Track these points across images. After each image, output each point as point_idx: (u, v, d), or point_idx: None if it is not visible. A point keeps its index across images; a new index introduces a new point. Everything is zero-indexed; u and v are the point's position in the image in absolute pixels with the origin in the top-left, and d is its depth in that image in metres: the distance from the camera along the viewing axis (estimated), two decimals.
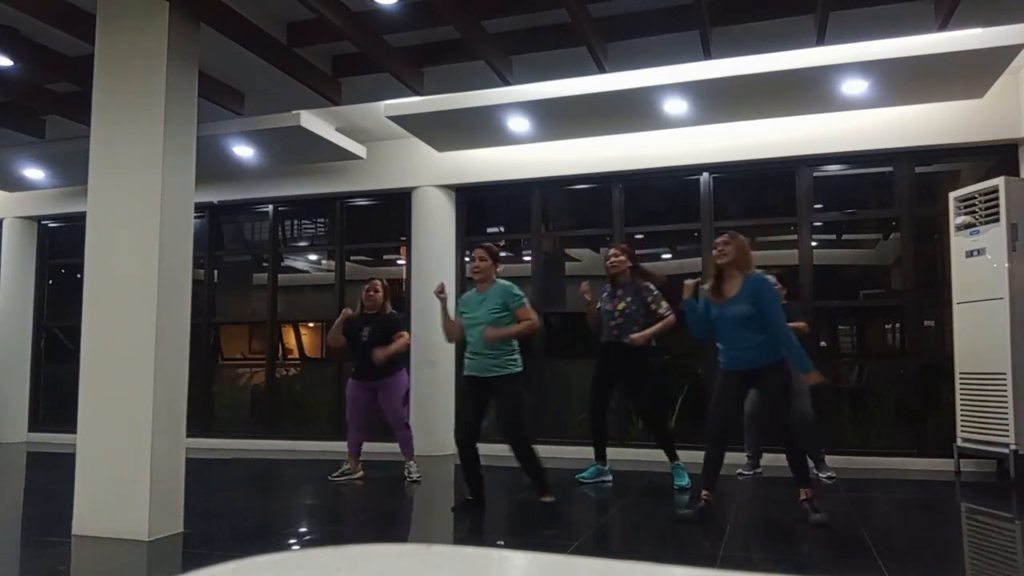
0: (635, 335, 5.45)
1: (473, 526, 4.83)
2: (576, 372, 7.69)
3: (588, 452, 6.00)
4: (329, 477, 6.13)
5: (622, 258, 5.66)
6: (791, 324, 4.60)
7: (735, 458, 6.49)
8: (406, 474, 6.01)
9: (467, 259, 8.23)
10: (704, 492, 4.44)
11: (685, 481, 5.48)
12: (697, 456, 6.39)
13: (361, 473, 6.11)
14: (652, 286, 5.64)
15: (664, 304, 5.56)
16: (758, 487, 5.87)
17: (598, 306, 5.74)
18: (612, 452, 6.07)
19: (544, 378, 7.77)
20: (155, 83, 4.36)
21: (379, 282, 6.06)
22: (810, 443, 5.85)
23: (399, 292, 8.13)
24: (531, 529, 4.81)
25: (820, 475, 5.82)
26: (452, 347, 6.66)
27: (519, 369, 4.80)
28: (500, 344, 4.74)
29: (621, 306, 5.57)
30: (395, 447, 6.14)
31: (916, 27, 4.92)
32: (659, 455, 5.75)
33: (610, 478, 5.89)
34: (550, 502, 4.88)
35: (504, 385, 4.76)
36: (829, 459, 6.04)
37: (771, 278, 5.32)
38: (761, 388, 4.52)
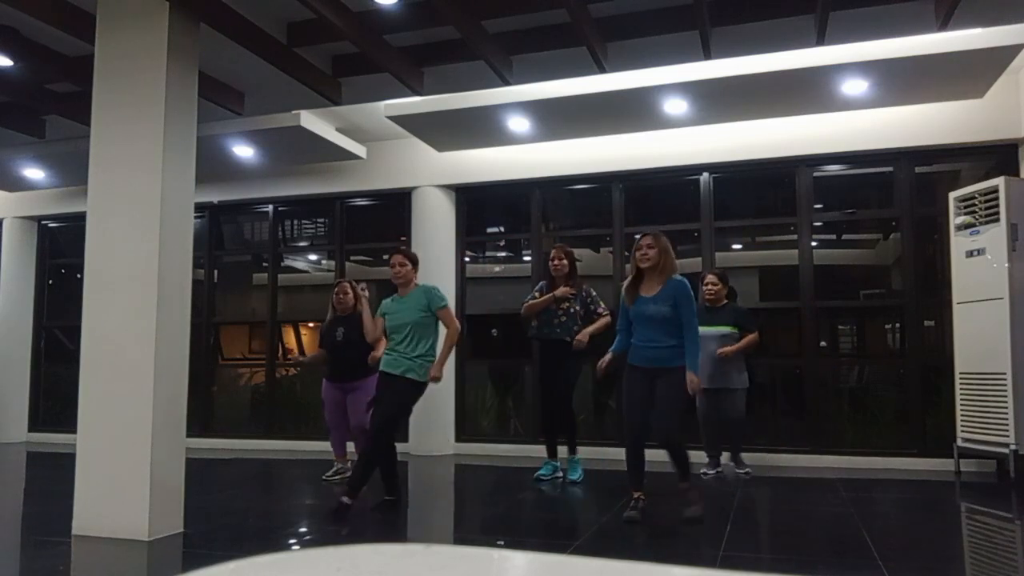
0: (581, 336, 5.73)
1: (473, 526, 4.83)
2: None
3: (587, 451, 6.00)
4: (323, 478, 6.15)
5: (565, 261, 5.84)
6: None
7: (697, 457, 6.54)
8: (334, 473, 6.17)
9: (467, 259, 8.25)
10: (636, 493, 4.51)
11: (578, 475, 5.86)
12: (695, 456, 6.41)
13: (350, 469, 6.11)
14: (590, 287, 5.96)
15: (601, 304, 5.91)
16: (758, 487, 5.87)
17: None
18: (611, 452, 6.08)
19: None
20: (155, 83, 4.36)
21: (348, 284, 6.13)
22: (738, 439, 6.25)
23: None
24: (531, 529, 4.81)
25: (738, 471, 6.11)
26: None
27: (421, 380, 4.86)
28: (423, 351, 4.86)
29: (564, 305, 5.79)
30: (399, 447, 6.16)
31: (916, 27, 4.92)
32: (660, 455, 5.74)
33: (560, 475, 5.99)
34: (347, 501, 4.81)
35: (397, 385, 4.85)
36: (829, 459, 6.07)
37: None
38: (661, 387, 4.41)
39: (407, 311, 4.91)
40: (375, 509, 4.95)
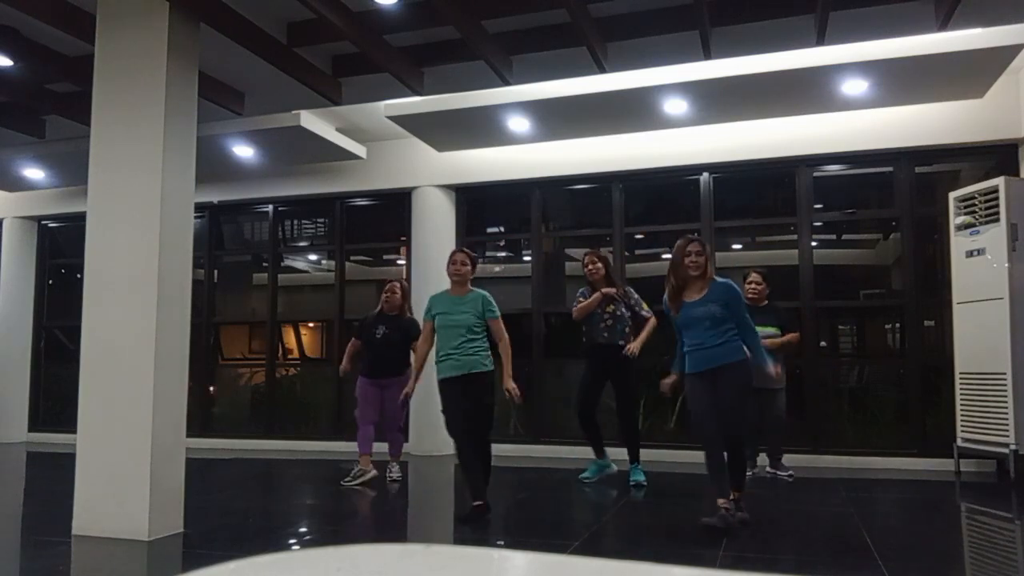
0: (634, 346, 5.66)
1: (473, 526, 4.83)
2: (577, 372, 7.70)
3: (588, 451, 5.99)
4: (342, 483, 5.92)
5: (599, 265, 5.79)
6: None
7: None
8: (388, 473, 6.10)
9: None
10: (721, 501, 4.33)
11: (642, 477, 5.72)
12: (695, 456, 6.42)
13: (374, 472, 6.02)
14: (630, 288, 5.91)
15: (644, 305, 5.82)
16: (757, 487, 5.86)
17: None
18: (613, 452, 6.08)
19: (545, 378, 7.77)
20: (155, 83, 4.36)
21: (398, 284, 6.22)
22: (778, 440, 6.08)
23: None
24: (531, 529, 4.81)
25: (779, 473, 5.95)
26: None
27: (491, 369, 4.89)
28: (481, 345, 4.86)
29: (610, 309, 5.71)
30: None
31: (916, 27, 4.92)
32: (660, 455, 5.77)
33: (615, 468, 5.92)
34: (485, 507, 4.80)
35: (481, 381, 4.84)
36: (829, 459, 6.06)
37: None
38: (722, 387, 4.37)
39: (465, 314, 4.84)
40: (464, 520, 4.82)
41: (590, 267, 5.78)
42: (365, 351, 6.11)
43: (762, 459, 6.22)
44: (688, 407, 4.63)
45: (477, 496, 4.75)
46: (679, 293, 4.44)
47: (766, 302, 6.11)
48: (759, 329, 5.83)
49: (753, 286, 6.08)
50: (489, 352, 4.91)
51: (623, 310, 5.75)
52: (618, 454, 5.92)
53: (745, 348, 4.40)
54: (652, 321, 5.75)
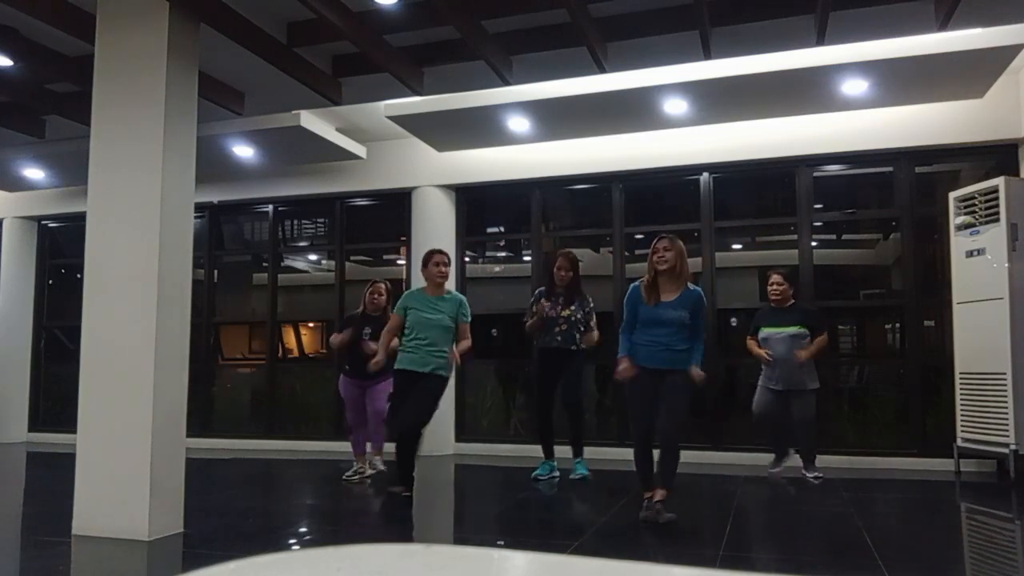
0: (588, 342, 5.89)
1: (473, 526, 4.83)
2: None
3: (587, 451, 6.00)
4: (344, 478, 6.07)
5: (571, 273, 5.85)
6: None
7: (746, 458, 6.52)
8: (369, 466, 6.15)
9: (466, 259, 8.25)
10: (648, 493, 4.44)
11: (586, 472, 5.87)
12: (694, 455, 6.43)
13: (371, 471, 6.14)
14: (588, 297, 5.98)
15: (594, 322, 6.00)
16: (758, 487, 5.87)
17: (531, 312, 5.94)
18: (611, 452, 6.09)
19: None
20: (155, 83, 4.36)
21: (383, 285, 6.21)
22: (809, 442, 5.92)
23: (401, 292, 8.12)
24: (531, 529, 4.81)
25: (807, 475, 5.84)
26: None
27: (447, 376, 5.11)
28: (446, 349, 5.05)
29: (566, 313, 5.81)
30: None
31: (916, 27, 4.92)
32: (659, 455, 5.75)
33: (558, 474, 6.00)
34: (405, 494, 5.06)
35: (431, 383, 5.02)
36: (829, 459, 6.05)
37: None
38: (669, 388, 4.41)
39: (441, 314, 5.02)
40: (386, 502, 5.08)
41: (561, 272, 5.84)
42: (350, 351, 6.11)
43: (793, 459, 6.09)
44: (627, 397, 4.67)
45: (407, 484, 5.05)
46: (655, 287, 4.47)
47: (792, 302, 6.01)
48: (784, 330, 5.86)
49: (775, 287, 5.98)
50: (447, 356, 5.09)
51: (580, 315, 5.83)
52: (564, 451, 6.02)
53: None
54: (595, 335, 5.94)
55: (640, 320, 4.50)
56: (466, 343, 5.13)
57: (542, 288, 6.02)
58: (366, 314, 6.07)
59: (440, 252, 5.21)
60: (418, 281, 7.69)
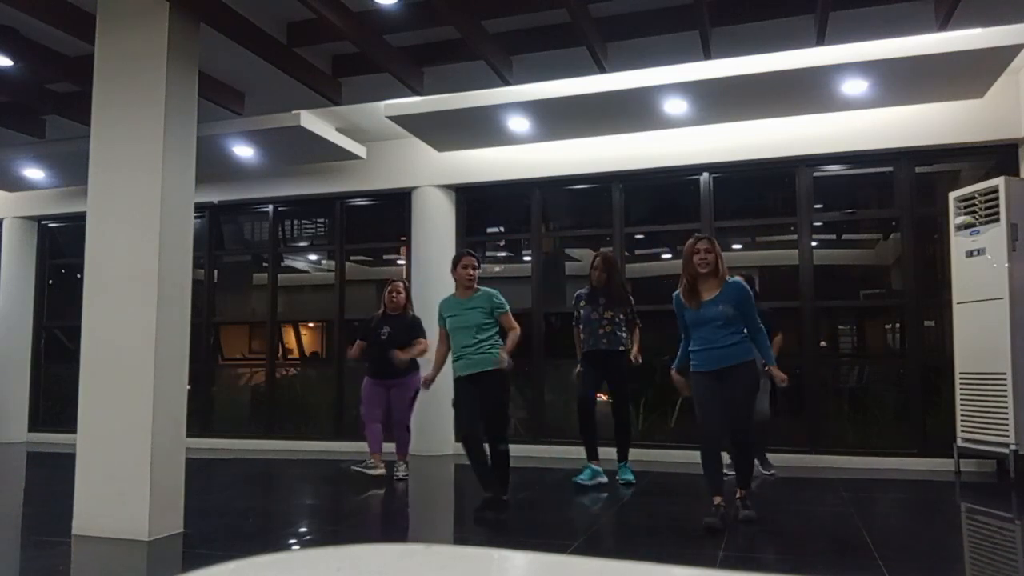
0: (636, 353, 5.77)
1: (473, 526, 4.83)
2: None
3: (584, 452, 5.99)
4: (352, 468, 6.13)
5: (605, 275, 5.80)
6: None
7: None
8: (395, 472, 6.13)
9: None
10: (717, 499, 4.38)
11: (631, 476, 5.81)
12: (694, 456, 6.42)
13: (383, 470, 6.12)
14: (630, 296, 5.92)
15: (635, 316, 5.90)
16: (758, 487, 5.86)
17: (578, 317, 5.90)
18: (610, 452, 6.07)
19: (545, 378, 7.77)
20: (155, 83, 4.36)
21: (401, 284, 6.24)
22: (761, 442, 5.99)
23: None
24: (531, 529, 4.81)
25: (763, 472, 5.94)
26: None
27: (499, 366, 5.00)
28: (491, 342, 5.00)
29: (608, 314, 5.75)
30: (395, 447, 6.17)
31: (916, 27, 4.92)
32: (660, 455, 5.78)
33: (605, 479, 5.91)
34: (505, 500, 5.07)
35: (492, 379, 4.99)
36: (829, 459, 6.05)
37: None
38: (732, 386, 4.42)
39: (473, 314, 5.01)
40: (481, 509, 5.03)
41: (597, 272, 5.80)
42: (370, 352, 6.12)
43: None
44: (693, 404, 4.64)
45: (488, 487, 4.97)
46: (693, 290, 4.45)
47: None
48: None
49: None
50: (495, 345, 5.03)
51: (621, 316, 5.78)
52: (608, 453, 5.96)
53: (754, 348, 4.44)
54: (639, 328, 5.88)
55: (690, 325, 4.50)
56: (513, 334, 5.06)
57: (583, 290, 5.96)
58: (386, 314, 6.11)
59: (469, 255, 5.18)
60: (418, 281, 7.72)
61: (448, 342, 5.12)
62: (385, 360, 5.91)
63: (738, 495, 4.51)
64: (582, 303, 5.87)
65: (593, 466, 5.83)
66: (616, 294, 5.79)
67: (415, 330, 6.02)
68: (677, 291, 4.54)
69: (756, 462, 5.94)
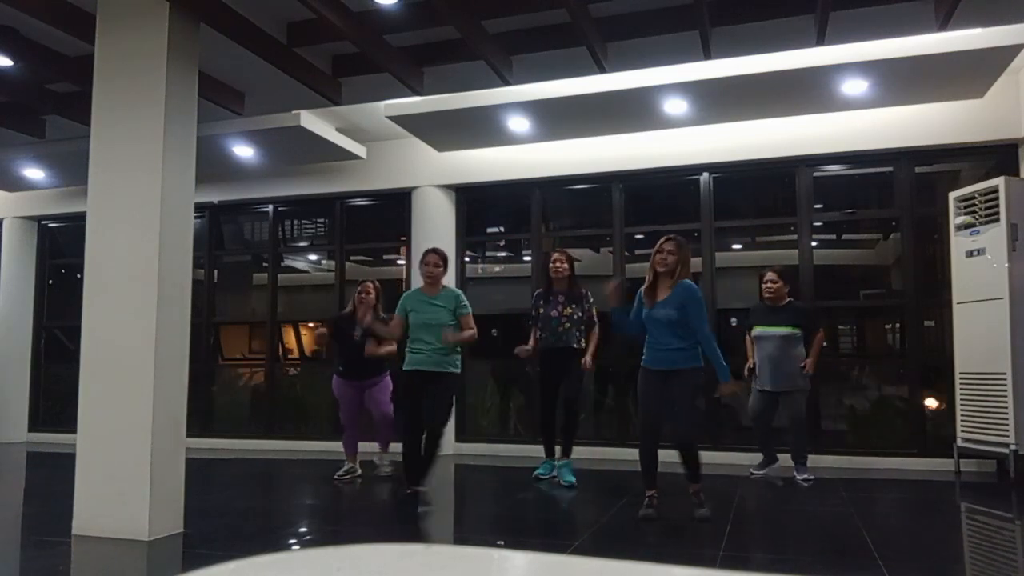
0: (588, 359, 5.78)
1: (473, 526, 4.84)
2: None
3: (587, 451, 6.00)
4: (335, 477, 6.11)
5: (566, 265, 5.83)
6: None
7: (745, 459, 6.51)
8: (378, 463, 6.19)
9: (467, 259, 8.25)
10: (650, 492, 4.55)
11: (572, 479, 5.74)
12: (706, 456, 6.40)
13: (359, 472, 6.18)
14: (587, 292, 5.90)
15: (594, 310, 5.89)
16: (757, 487, 5.87)
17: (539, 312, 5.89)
18: (611, 452, 6.09)
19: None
20: (155, 83, 4.36)
21: (371, 284, 6.21)
22: (798, 443, 5.94)
23: (399, 292, 8.13)
24: (531, 529, 4.81)
25: (798, 476, 5.82)
26: None
27: (458, 371, 5.24)
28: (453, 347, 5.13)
29: (567, 312, 5.79)
30: (398, 447, 6.17)
31: (916, 27, 4.92)
32: (661, 455, 5.76)
33: (555, 473, 5.95)
34: (423, 492, 5.15)
35: (446, 381, 5.13)
36: (829, 459, 6.05)
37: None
38: (672, 388, 4.48)
39: (440, 311, 5.10)
40: (404, 501, 5.12)
41: (556, 264, 5.83)
42: (341, 352, 6.13)
43: (780, 463, 6.11)
44: (638, 397, 4.74)
45: (413, 482, 5.11)
46: (653, 288, 4.54)
47: (786, 300, 6.02)
48: (774, 330, 5.88)
49: (768, 285, 6.01)
50: (459, 355, 5.22)
51: (580, 313, 5.80)
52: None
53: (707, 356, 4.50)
54: (596, 329, 5.86)
55: (644, 322, 4.56)
56: (468, 332, 5.19)
57: (540, 290, 6.01)
58: (356, 313, 6.06)
59: (432, 252, 5.27)
60: (418, 281, 7.70)
61: (401, 331, 5.22)
62: (359, 361, 5.93)
63: (690, 490, 4.58)
64: (540, 301, 5.89)
65: (551, 461, 5.98)
66: (576, 292, 5.83)
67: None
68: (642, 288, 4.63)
69: (793, 464, 5.91)
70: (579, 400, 6.03)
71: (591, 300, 5.90)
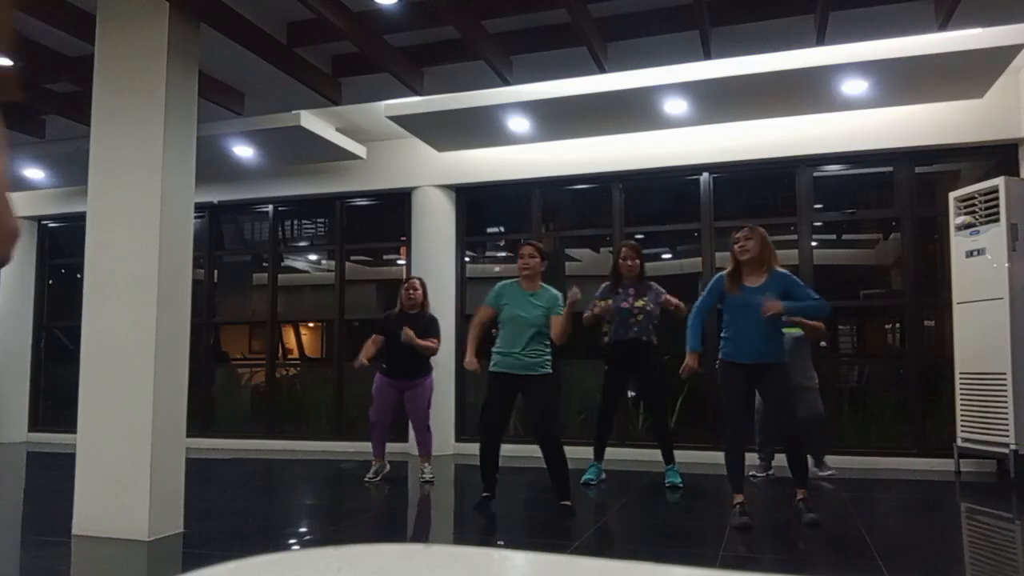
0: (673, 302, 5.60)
1: (473, 526, 4.83)
2: (576, 372, 7.70)
3: (589, 452, 5.99)
4: (365, 480, 6.02)
5: (638, 261, 5.71)
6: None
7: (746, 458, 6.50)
8: (420, 474, 6.06)
9: (467, 259, 8.25)
10: (740, 497, 4.37)
11: (678, 480, 5.63)
12: (695, 456, 6.42)
13: (388, 467, 6.16)
14: (658, 286, 5.78)
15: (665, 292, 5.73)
16: (758, 487, 5.86)
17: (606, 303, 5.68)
18: (612, 452, 6.08)
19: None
20: (155, 83, 4.36)
21: (418, 281, 6.10)
22: (816, 442, 5.85)
23: (398, 291, 8.12)
24: (531, 529, 4.80)
25: (820, 474, 5.81)
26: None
27: (550, 371, 4.79)
28: (539, 344, 4.71)
29: (640, 303, 5.62)
30: (400, 447, 6.16)
31: (916, 27, 4.92)
32: (658, 454, 5.76)
33: (605, 476, 5.92)
34: (569, 507, 4.71)
35: (541, 384, 4.73)
36: (829, 459, 6.03)
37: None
38: (768, 384, 4.36)
39: (536, 309, 4.70)
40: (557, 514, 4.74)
41: (628, 262, 5.67)
42: (386, 350, 6.00)
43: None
44: (719, 395, 4.55)
45: (489, 488, 4.83)
46: (737, 274, 4.41)
47: None
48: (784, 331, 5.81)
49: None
50: (551, 355, 4.80)
51: (652, 305, 5.63)
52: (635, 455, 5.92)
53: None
54: (681, 305, 5.58)
55: (726, 309, 4.42)
56: (556, 332, 4.69)
57: (606, 284, 5.80)
58: (403, 312, 5.95)
59: (526, 243, 4.90)
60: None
61: (483, 326, 4.90)
62: (404, 360, 5.82)
63: (799, 496, 4.39)
64: (605, 292, 5.72)
65: (599, 464, 5.89)
66: (647, 284, 5.69)
67: (432, 329, 5.89)
68: (722, 273, 4.51)
69: (811, 463, 5.89)
70: (663, 406, 5.90)
71: (663, 291, 5.73)
